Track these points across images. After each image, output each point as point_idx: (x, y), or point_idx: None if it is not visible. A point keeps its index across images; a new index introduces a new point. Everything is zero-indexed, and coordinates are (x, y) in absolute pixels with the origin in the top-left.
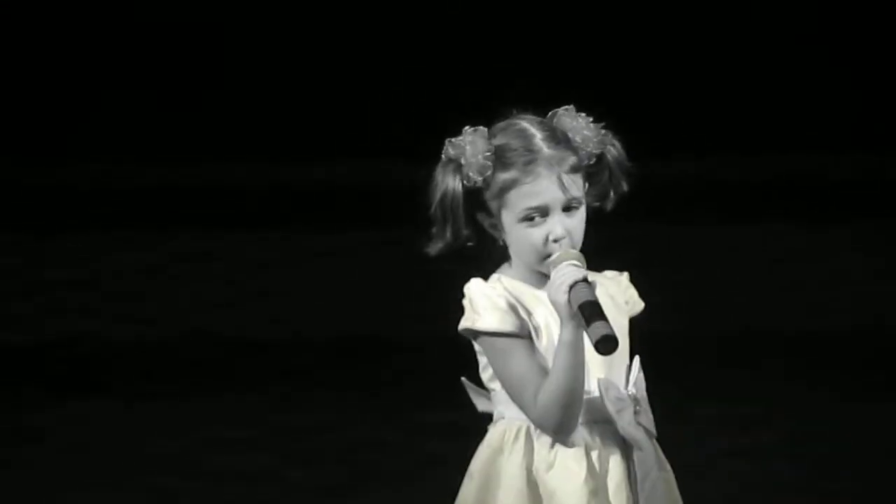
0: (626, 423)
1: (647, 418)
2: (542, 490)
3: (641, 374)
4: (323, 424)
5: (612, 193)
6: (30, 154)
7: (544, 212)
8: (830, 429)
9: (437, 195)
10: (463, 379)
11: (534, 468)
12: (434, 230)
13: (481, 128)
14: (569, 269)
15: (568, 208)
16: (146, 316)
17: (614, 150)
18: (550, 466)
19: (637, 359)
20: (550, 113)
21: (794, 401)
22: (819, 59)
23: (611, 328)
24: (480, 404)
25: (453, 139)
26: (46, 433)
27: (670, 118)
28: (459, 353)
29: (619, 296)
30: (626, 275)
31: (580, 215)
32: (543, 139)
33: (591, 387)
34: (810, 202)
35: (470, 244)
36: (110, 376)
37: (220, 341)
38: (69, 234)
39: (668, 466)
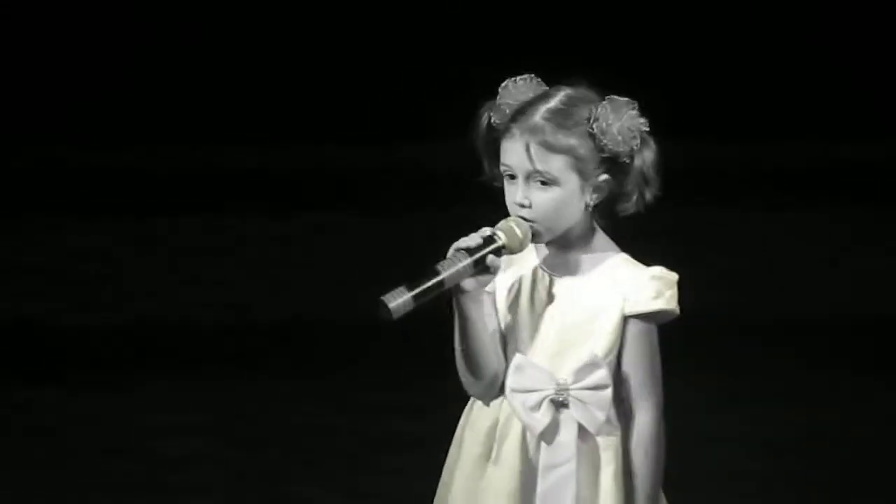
0: (520, 405)
1: (587, 414)
2: (463, 439)
3: (601, 371)
4: (268, 408)
5: (633, 198)
6: None
7: (512, 173)
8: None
9: (474, 128)
10: None
11: (469, 417)
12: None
13: (535, 80)
14: (474, 236)
15: (537, 180)
16: (90, 302)
17: (643, 157)
18: (468, 421)
19: (596, 355)
20: (603, 99)
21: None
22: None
23: (401, 301)
24: None
25: (514, 80)
26: None
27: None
28: (402, 336)
29: (626, 288)
30: (669, 276)
31: (555, 194)
32: (549, 109)
33: (516, 363)
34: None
35: (496, 183)
36: (55, 363)
37: (164, 326)
38: (8, 218)
39: (609, 471)
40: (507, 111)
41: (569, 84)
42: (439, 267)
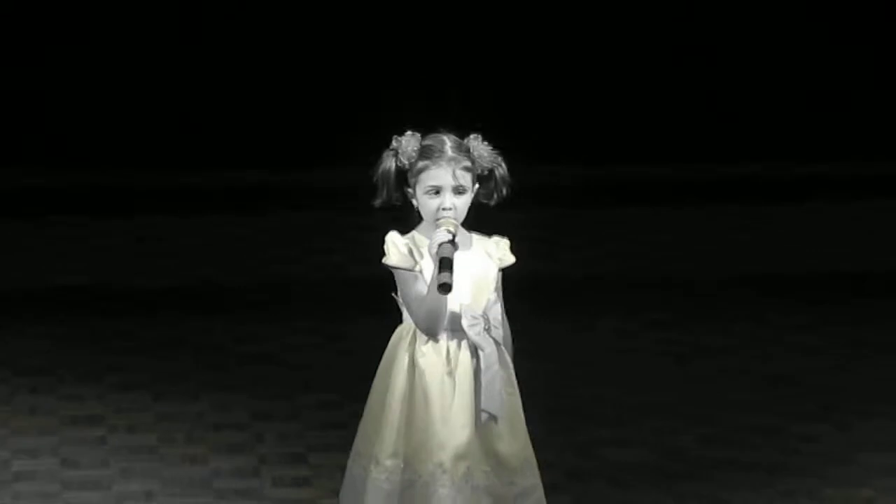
0: (474, 334)
1: (498, 332)
2: (416, 369)
3: (498, 305)
4: None
5: (495, 196)
6: None
7: (439, 190)
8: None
9: (379, 170)
10: (393, 295)
11: (415, 354)
12: (377, 192)
13: (417, 133)
14: (442, 232)
15: (457, 191)
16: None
17: (501, 169)
18: (423, 355)
19: (495, 294)
20: (468, 136)
21: None
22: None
23: (449, 279)
24: (404, 309)
25: (399, 136)
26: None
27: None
28: None
29: (493, 253)
30: (505, 240)
31: (466, 199)
32: (451, 146)
33: (456, 307)
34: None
35: (398, 204)
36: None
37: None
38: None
39: (510, 367)
40: (413, 154)
41: (436, 132)
42: (446, 254)
